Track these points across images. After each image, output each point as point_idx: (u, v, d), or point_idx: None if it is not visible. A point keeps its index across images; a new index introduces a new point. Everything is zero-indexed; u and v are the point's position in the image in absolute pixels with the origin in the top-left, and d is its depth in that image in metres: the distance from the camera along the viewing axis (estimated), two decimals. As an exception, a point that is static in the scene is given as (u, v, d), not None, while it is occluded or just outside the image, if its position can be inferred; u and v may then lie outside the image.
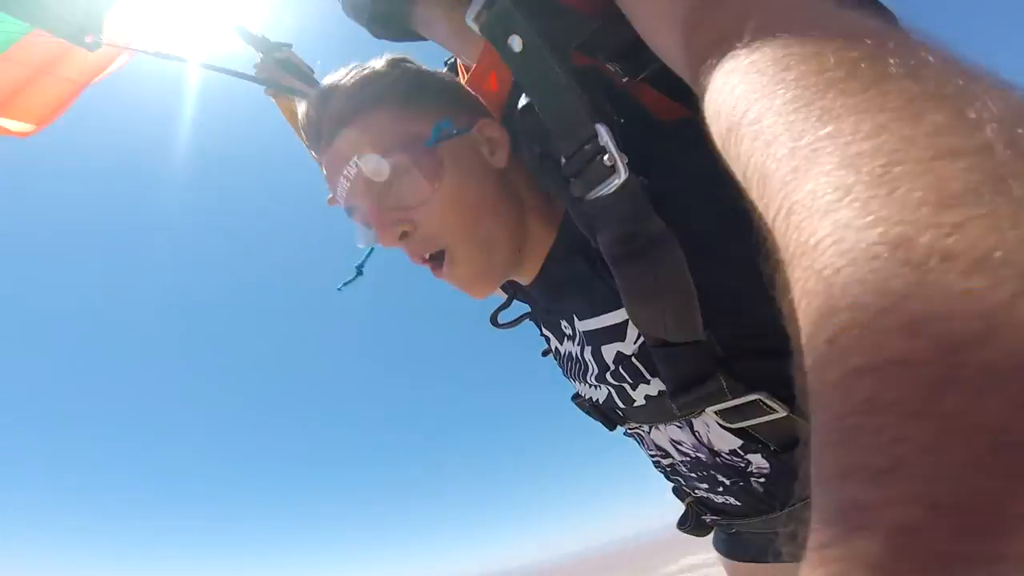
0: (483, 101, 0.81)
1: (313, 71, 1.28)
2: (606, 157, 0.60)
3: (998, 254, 0.17)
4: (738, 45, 0.33)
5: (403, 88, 0.75)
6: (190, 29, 1.54)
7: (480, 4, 0.65)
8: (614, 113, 0.64)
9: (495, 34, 0.65)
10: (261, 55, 1.28)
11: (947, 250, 0.18)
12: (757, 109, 0.29)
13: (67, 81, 1.80)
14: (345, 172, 0.73)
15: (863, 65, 0.26)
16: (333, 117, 0.74)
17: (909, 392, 0.17)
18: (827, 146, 0.24)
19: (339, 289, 0.83)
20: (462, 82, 0.84)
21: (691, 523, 0.99)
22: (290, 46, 1.29)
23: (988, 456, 0.15)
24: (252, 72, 1.29)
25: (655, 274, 0.62)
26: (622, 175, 0.60)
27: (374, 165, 0.71)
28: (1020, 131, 0.20)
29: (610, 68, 0.69)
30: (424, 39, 0.91)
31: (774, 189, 0.26)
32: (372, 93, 0.74)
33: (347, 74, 0.77)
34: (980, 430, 0.15)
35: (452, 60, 0.94)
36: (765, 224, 0.27)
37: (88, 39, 1.52)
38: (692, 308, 0.62)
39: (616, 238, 0.63)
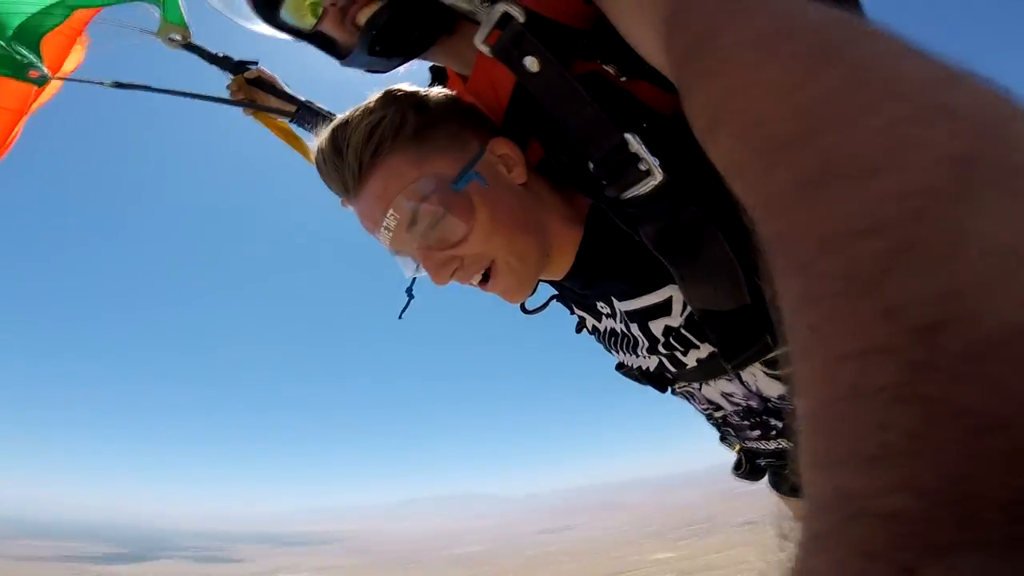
0: (484, 109, 0.84)
1: (287, 84, 1.31)
2: (640, 163, 0.65)
3: (967, 236, 0.18)
4: (713, 46, 0.34)
5: (412, 127, 0.78)
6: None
7: (489, 27, 0.68)
8: (637, 118, 0.68)
9: (509, 56, 0.68)
10: (231, 76, 1.30)
11: (918, 235, 0.19)
12: (734, 108, 0.30)
13: (7, 112, 1.74)
14: (384, 224, 0.77)
15: (835, 60, 0.26)
16: (353, 168, 0.78)
17: (892, 378, 0.17)
18: (802, 141, 0.24)
19: (399, 318, 0.90)
20: (456, 93, 0.85)
21: (745, 469, 1.06)
22: (256, 63, 1.30)
23: (970, 440, 0.15)
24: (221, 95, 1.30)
25: (702, 257, 0.67)
26: (658, 177, 0.65)
27: (411, 218, 0.75)
28: (995, 130, 0.21)
29: (608, 69, 0.72)
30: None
31: (752, 181, 0.27)
32: (384, 138, 0.77)
33: (352, 121, 0.79)
34: (961, 414, 0.15)
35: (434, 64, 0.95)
36: (748, 216, 0.27)
37: (33, 74, 1.48)
38: (738, 280, 0.67)
39: (659, 230, 0.68)
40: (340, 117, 0.81)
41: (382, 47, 0.81)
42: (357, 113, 0.80)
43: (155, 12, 1.31)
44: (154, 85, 1.32)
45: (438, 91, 0.85)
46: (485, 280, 0.80)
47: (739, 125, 0.29)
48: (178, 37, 1.32)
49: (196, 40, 1.31)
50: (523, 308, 0.96)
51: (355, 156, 0.77)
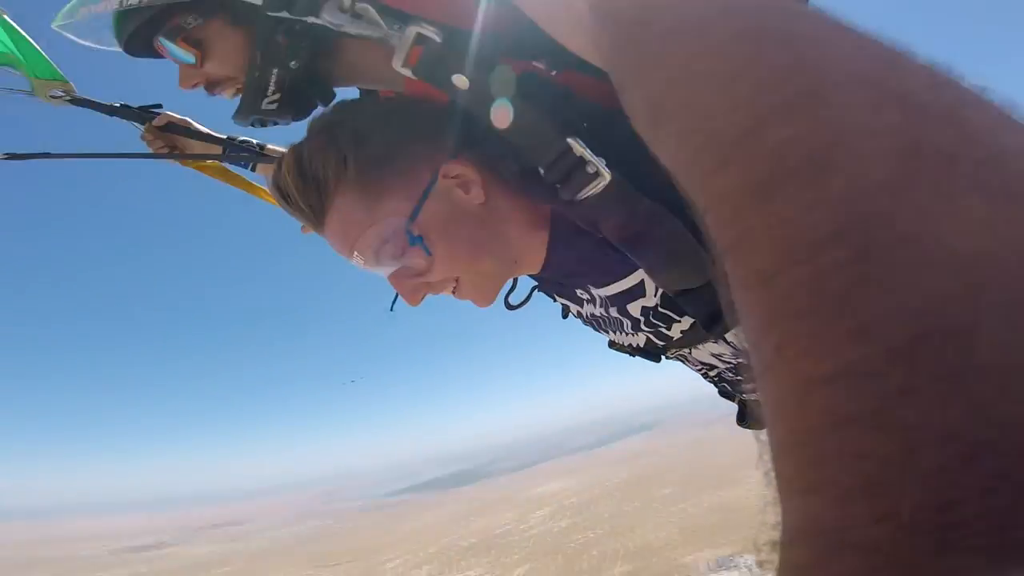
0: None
1: (201, 123, 1.23)
2: (588, 166, 0.65)
3: (936, 241, 0.17)
4: (645, 36, 0.32)
5: (354, 168, 0.76)
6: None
7: (405, 51, 0.65)
8: (577, 119, 0.69)
9: (434, 76, 0.66)
10: (141, 128, 1.21)
11: (883, 241, 0.17)
12: (673, 104, 0.28)
13: None
14: (354, 262, 0.79)
15: (774, 44, 0.25)
16: (307, 214, 0.79)
17: (868, 404, 0.16)
18: (748, 137, 0.23)
19: (391, 310, 0.91)
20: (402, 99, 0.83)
21: (749, 419, 1.10)
22: (160, 106, 1.21)
23: (956, 467, 0.14)
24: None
25: (664, 244, 0.69)
26: (607, 177, 0.65)
27: (375, 260, 0.78)
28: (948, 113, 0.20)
29: (539, 65, 0.72)
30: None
31: (701, 184, 0.25)
32: (326, 183, 0.76)
33: (292, 166, 0.78)
34: (943, 441, 0.15)
35: None
36: (699, 214, 0.26)
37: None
38: (702, 258, 0.68)
39: (618, 225, 0.70)
40: (283, 159, 0.80)
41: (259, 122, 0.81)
42: (297, 156, 0.78)
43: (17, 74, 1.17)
44: (59, 151, 1.22)
45: (382, 110, 0.83)
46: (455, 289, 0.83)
47: (680, 123, 0.28)
48: (60, 93, 1.20)
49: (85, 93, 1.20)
50: (507, 303, 0.97)
51: (305, 203, 0.78)
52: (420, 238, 0.77)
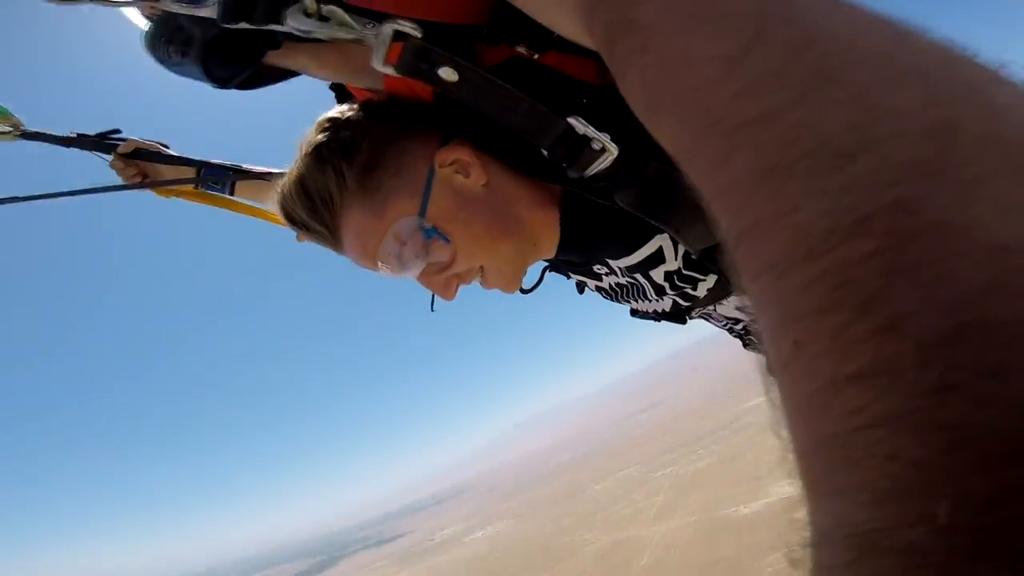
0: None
1: (168, 145, 1.19)
2: (593, 143, 0.65)
3: (971, 228, 0.16)
4: (639, 18, 0.31)
5: (353, 180, 0.76)
6: None
7: (384, 50, 0.64)
8: (575, 97, 0.69)
9: (419, 71, 0.65)
10: (109, 158, 1.16)
11: (913, 230, 0.16)
12: (672, 89, 0.27)
13: None
14: (381, 271, 0.80)
15: (776, 23, 0.24)
16: (324, 235, 0.80)
17: (900, 404, 0.15)
18: (756, 121, 0.22)
19: (432, 310, 0.92)
20: (379, 100, 0.82)
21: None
22: (119, 131, 1.16)
23: (993, 470, 0.14)
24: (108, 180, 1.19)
25: (683, 204, 0.69)
26: (614, 151, 0.65)
27: (400, 263, 0.79)
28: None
29: (521, 51, 0.71)
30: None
31: (705, 171, 0.24)
32: (333, 202, 0.77)
33: (294, 194, 0.78)
34: (985, 440, 0.14)
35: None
36: (704, 201, 0.25)
37: None
38: None
39: (635, 195, 0.70)
40: (282, 189, 0.80)
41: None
42: (296, 181, 0.78)
43: None
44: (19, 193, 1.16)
45: (359, 119, 0.80)
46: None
47: (681, 108, 0.26)
48: (7, 128, 1.13)
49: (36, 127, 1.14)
50: (520, 289, 0.96)
51: (320, 224, 0.79)
52: (434, 229, 0.78)
